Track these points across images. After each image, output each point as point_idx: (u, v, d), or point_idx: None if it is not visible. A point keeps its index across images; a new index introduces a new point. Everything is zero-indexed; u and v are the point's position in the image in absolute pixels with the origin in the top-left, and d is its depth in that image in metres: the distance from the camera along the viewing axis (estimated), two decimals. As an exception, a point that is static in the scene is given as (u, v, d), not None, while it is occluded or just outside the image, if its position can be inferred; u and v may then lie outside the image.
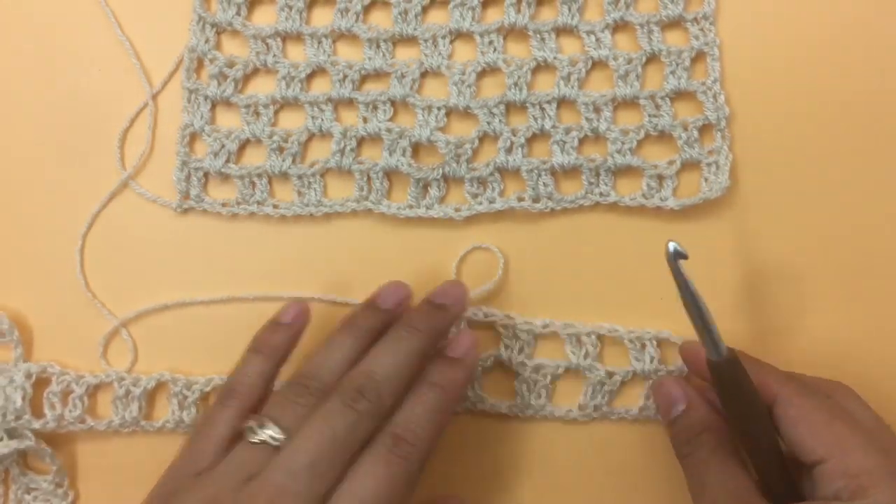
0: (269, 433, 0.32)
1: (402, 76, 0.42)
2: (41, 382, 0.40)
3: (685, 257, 0.31)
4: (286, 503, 0.30)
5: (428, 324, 0.36)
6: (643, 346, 0.40)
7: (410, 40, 0.43)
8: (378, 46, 0.43)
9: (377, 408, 0.33)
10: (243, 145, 0.43)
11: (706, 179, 0.41)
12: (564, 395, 0.40)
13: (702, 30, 0.42)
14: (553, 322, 0.40)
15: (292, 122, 0.43)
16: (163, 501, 0.32)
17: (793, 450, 0.33)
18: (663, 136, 0.41)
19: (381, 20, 0.43)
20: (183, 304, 0.42)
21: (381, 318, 0.36)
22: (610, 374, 0.40)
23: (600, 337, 0.40)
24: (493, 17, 0.43)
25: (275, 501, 0.30)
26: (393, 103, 0.42)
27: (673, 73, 0.41)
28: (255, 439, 0.32)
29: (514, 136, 0.41)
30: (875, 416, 0.35)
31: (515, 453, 0.40)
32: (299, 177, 0.42)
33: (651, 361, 0.40)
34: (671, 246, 0.32)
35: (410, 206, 0.41)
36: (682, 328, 0.39)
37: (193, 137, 0.43)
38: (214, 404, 0.35)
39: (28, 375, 0.40)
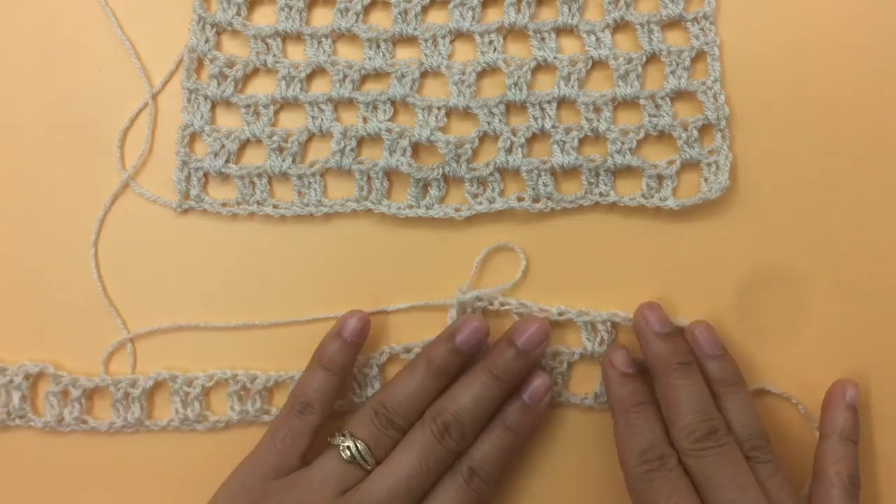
0: (363, 454, 0.36)
1: (402, 76, 0.42)
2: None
3: None
4: None
5: (508, 372, 0.38)
6: None
7: (410, 40, 0.43)
8: (378, 46, 0.42)
9: (460, 445, 0.36)
10: (243, 145, 0.42)
11: (706, 179, 0.41)
12: (581, 382, 0.41)
13: (702, 29, 0.42)
14: (568, 309, 0.41)
15: (292, 122, 0.43)
16: (254, 501, 0.35)
17: None
18: (663, 136, 0.41)
19: (381, 20, 0.43)
20: (196, 328, 0.42)
21: (459, 360, 0.38)
22: None
23: (615, 325, 0.41)
24: (493, 17, 0.43)
25: None
26: (393, 103, 0.42)
27: (673, 72, 0.41)
28: (348, 456, 0.36)
29: (514, 136, 0.41)
30: None
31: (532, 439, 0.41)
32: (299, 177, 0.42)
33: None
34: None
35: (410, 206, 0.41)
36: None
37: (193, 137, 0.43)
38: (288, 412, 0.38)
39: (27, 376, 0.40)
